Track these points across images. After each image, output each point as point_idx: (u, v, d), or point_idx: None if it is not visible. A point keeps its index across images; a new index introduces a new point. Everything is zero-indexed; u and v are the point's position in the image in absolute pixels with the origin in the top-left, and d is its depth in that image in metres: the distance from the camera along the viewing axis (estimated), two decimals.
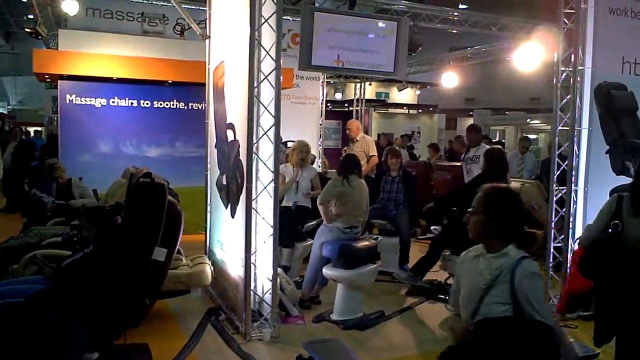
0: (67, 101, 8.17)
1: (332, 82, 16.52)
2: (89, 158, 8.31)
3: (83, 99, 8.26)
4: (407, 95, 19.60)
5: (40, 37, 8.65)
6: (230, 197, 5.20)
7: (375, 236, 5.96)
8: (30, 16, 8.57)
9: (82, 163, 8.10)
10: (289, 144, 7.72)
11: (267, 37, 4.52)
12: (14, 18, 20.00)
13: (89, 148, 8.34)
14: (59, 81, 8.20)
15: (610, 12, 5.36)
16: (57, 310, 3.46)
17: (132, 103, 8.57)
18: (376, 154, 8.30)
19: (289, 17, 9.89)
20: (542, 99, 17.85)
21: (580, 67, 5.29)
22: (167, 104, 8.78)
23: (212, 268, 5.15)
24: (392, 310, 5.62)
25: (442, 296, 5.98)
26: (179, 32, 9.26)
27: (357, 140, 8.44)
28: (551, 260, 5.62)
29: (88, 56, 8.02)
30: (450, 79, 13.81)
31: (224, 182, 5.42)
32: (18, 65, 26.81)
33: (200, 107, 7.97)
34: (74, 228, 4.85)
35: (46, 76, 8.56)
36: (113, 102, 8.45)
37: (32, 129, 20.82)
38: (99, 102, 8.35)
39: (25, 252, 4.74)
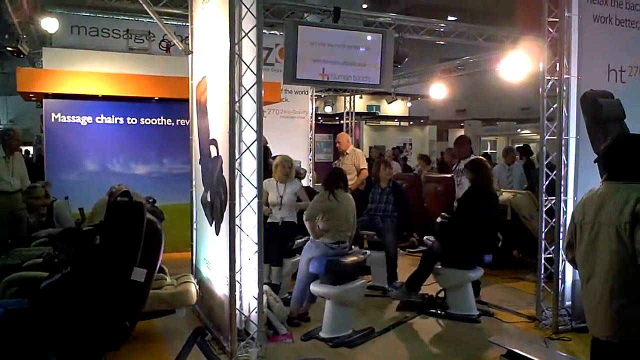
0: (53, 119, 8.09)
1: (322, 95, 16.53)
2: (75, 177, 8.22)
3: (69, 117, 8.18)
4: (398, 108, 19.63)
5: (22, 56, 8.59)
6: (214, 214, 5.12)
7: (363, 251, 5.87)
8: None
9: (68, 182, 8.00)
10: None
11: (248, 52, 4.46)
12: (2, 38, 19.91)
13: (75, 166, 8.25)
14: (43, 100, 8.12)
15: (594, 19, 5.33)
16: (32, 332, 3.37)
17: (118, 120, 8.50)
18: (366, 167, 8.25)
19: (275, 32, 9.89)
20: (532, 108, 17.83)
21: (565, 76, 5.25)
22: (153, 121, 8.72)
23: (198, 287, 5.06)
24: (383, 326, 5.53)
25: (434, 310, 5.90)
26: (164, 49, 9.22)
27: (347, 154, 8.39)
28: (542, 271, 5.54)
29: (73, 74, 7.96)
30: (438, 91, 13.79)
31: (208, 199, 5.33)
32: (8, 84, 26.72)
33: (187, 123, 7.90)
34: (57, 249, 4.75)
35: (31, 95, 8.48)
36: (99, 119, 8.38)
37: (23, 149, 20.75)
38: (84, 120, 8.28)
39: (6, 274, 4.64)
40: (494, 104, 23.07)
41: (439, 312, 5.88)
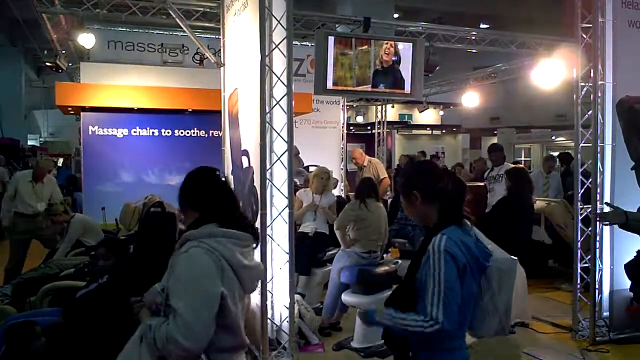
0: (90, 132, 8.31)
1: (353, 105, 16.52)
2: (112, 187, 8.40)
3: (105, 129, 8.39)
4: (430, 116, 19.51)
5: (60, 71, 8.85)
6: None
7: (395, 260, 5.84)
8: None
9: (104, 193, 8.19)
10: (311, 168, 7.71)
11: (279, 63, 4.52)
12: (42, 53, 20.59)
13: (111, 178, 8.44)
14: (81, 113, 8.36)
15: (629, 24, 5.23)
16: (70, 342, 3.44)
17: (153, 132, 8.68)
18: (386, 175, 8.27)
19: (307, 43, 9.96)
20: (567, 115, 17.54)
21: (600, 82, 5.16)
22: (187, 132, 8.88)
23: None
24: None
25: None
26: (198, 61, 9.38)
27: (364, 166, 8.42)
28: (579, 281, 5.42)
29: (109, 88, 8.17)
30: (471, 99, 13.68)
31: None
32: (49, 98, 27.56)
33: (219, 135, 8.03)
34: (93, 258, 4.86)
35: (69, 108, 8.72)
36: (135, 131, 8.57)
37: (60, 160, 21.36)
38: (120, 132, 8.48)
39: (44, 284, 4.77)
40: (527, 112, 22.74)
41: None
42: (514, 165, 6.96)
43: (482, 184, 8.65)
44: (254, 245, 2.24)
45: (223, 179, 2.35)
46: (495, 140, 17.87)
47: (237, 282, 2.10)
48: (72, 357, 3.51)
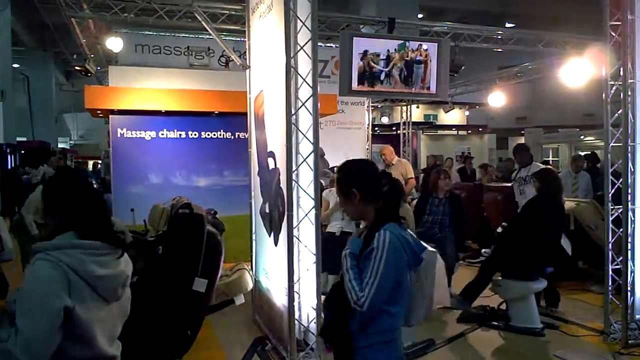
0: (119, 135, 8.41)
1: (378, 106, 16.51)
2: (140, 190, 8.50)
3: (133, 132, 8.48)
4: (456, 116, 19.38)
5: (89, 75, 9.00)
6: (272, 225, 5.20)
7: None
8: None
9: (133, 195, 8.28)
10: (336, 169, 7.70)
11: (304, 65, 4.54)
12: (71, 57, 21.02)
13: (140, 180, 8.54)
14: (110, 116, 8.46)
15: None
16: None
17: (180, 135, 8.75)
18: (414, 176, 8.25)
19: (331, 44, 9.98)
20: (596, 114, 17.25)
21: (630, 81, 5.07)
22: (214, 134, 8.93)
23: (252, 272, 5.09)
24: (443, 338, 5.45)
25: (496, 322, 5.77)
26: (224, 64, 9.44)
27: (393, 165, 8.40)
28: (610, 283, 5.33)
29: (137, 91, 8.27)
30: (497, 99, 13.56)
31: (267, 210, 5.42)
32: (78, 101, 28.11)
33: (246, 136, 8.08)
34: None
35: (98, 111, 8.86)
36: (162, 134, 8.65)
37: (91, 162, 21.77)
38: (148, 134, 8.57)
39: None
40: (555, 111, 22.44)
41: (500, 324, 5.75)
42: (543, 166, 6.87)
43: (509, 184, 8.58)
44: (118, 253, 2.18)
45: (93, 182, 2.30)
46: (522, 140, 17.68)
47: (92, 292, 2.06)
48: None
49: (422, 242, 2.47)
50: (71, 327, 1.99)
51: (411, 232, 2.46)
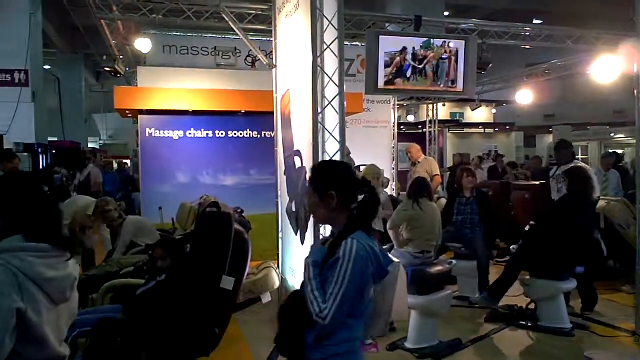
0: (147, 134, 8.53)
1: (404, 104, 16.43)
2: (168, 189, 8.61)
3: (161, 131, 8.60)
4: (482, 114, 19.18)
5: (119, 75, 9.13)
6: (299, 224, 5.22)
7: (449, 260, 5.78)
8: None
9: (161, 193, 8.40)
10: (362, 168, 7.71)
11: (330, 64, 4.54)
12: (101, 59, 21.36)
13: (168, 179, 8.65)
14: (139, 116, 8.59)
15: None
16: (125, 339, 3.54)
17: (207, 134, 8.84)
18: (439, 173, 8.22)
19: (357, 43, 9.97)
20: (627, 111, 16.94)
21: None
22: (240, 134, 9.01)
23: (279, 271, 5.11)
24: (470, 337, 5.41)
25: (524, 322, 5.71)
26: (250, 64, 9.51)
27: (419, 162, 8.39)
28: None
29: (165, 91, 8.38)
30: (525, 96, 13.40)
31: (293, 209, 5.45)
32: (108, 102, 28.57)
33: (272, 135, 8.13)
34: (151, 258, 5.00)
35: (127, 112, 8.99)
36: (190, 133, 8.75)
37: (120, 162, 22.13)
38: (176, 134, 8.68)
39: (105, 282, 4.93)
40: (584, 108, 22.08)
41: (528, 324, 5.69)
42: (574, 165, 6.75)
43: (537, 182, 8.48)
44: (67, 256, 2.21)
45: (45, 187, 2.26)
46: (550, 138, 17.44)
47: (42, 294, 2.07)
48: (133, 352, 3.62)
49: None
50: (24, 329, 2.01)
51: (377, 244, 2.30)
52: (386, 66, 5.72)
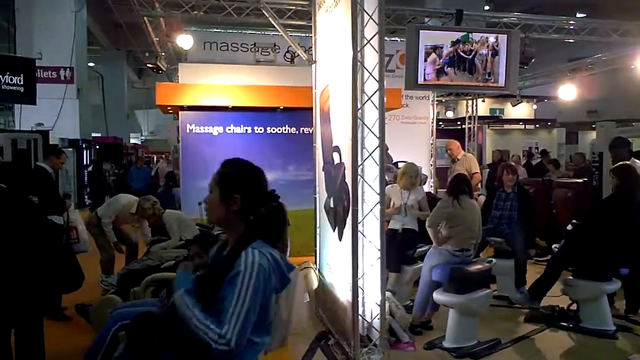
0: (188, 130, 8.65)
1: (443, 100, 16.25)
2: (208, 184, 8.70)
3: (202, 127, 8.70)
4: (523, 110, 18.84)
5: (160, 72, 9.28)
6: (337, 220, 5.21)
7: (489, 259, 5.70)
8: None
9: (202, 189, 8.39)
10: (400, 165, 7.67)
11: (370, 59, 4.52)
12: (143, 55, 21.77)
13: (208, 174, 8.52)
14: (179, 112, 8.71)
15: None
16: (160, 333, 3.59)
17: (246, 130, 8.90)
18: (479, 171, 8.12)
19: (396, 38, 9.91)
20: None
21: None
22: (279, 130, 9.04)
23: (317, 270, 5.13)
24: (509, 338, 5.32)
25: (565, 323, 5.60)
26: (289, 60, 9.55)
27: (458, 159, 8.30)
28: None
29: (205, 87, 8.47)
30: (568, 91, 13.10)
31: (331, 205, 5.44)
32: (149, 98, 29.14)
33: (311, 131, 8.14)
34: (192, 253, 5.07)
35: (168, 108, 9.12)
36: (229, 129, 8.82)
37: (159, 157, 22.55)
38: (216, 130, 8.76)
39: (147, 275, 5.03)
40: (629, 104, 21.38)
41: (570, 325, 5.57)
42: (619, 163, 6.54)
43: (580, 180, 8.29)
44: None
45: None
46: (594, 134, 16.99)
47: None
48: (172, 346, 3.67)
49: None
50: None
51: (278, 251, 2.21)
52: (426, 61, 5.66)
